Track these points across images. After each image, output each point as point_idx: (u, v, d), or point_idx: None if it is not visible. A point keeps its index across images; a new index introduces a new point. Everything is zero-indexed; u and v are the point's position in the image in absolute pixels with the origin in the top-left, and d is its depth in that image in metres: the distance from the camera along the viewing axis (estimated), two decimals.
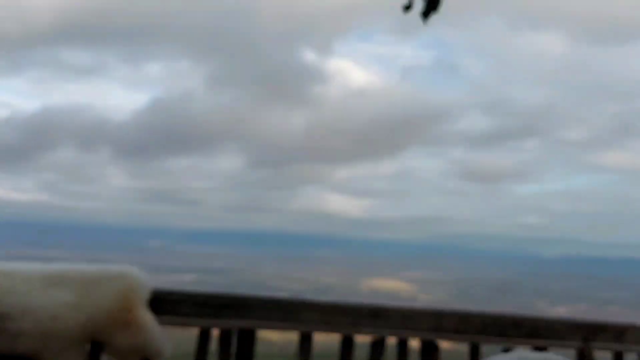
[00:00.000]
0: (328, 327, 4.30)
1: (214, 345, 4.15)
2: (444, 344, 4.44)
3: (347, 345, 4.29)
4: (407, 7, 2.39)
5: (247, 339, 4.12)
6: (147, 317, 3.76)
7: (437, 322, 4.43)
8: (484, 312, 4.69)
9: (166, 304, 4.07)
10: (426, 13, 2.38)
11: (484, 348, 4.45)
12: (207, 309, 4.17)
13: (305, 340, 4.24)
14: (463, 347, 4.45)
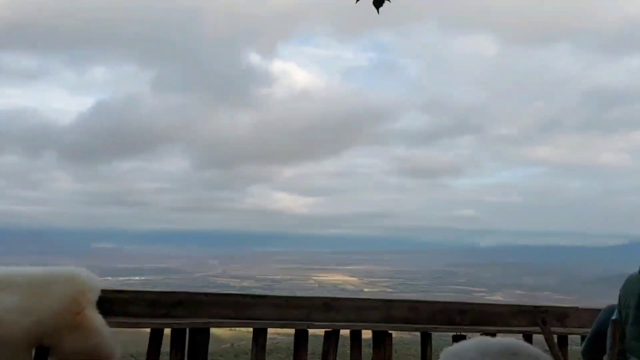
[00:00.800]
0: (281, 321, 4.19)
1: (166, 345, 3.98)
2: (395, 334, 4.39)
3: (301, 338, 4.19)
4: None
5: (200, 337, 3.96)
6: (96, 319, 3.55)
7: (387, 313, 4.37)
8: (432, 300, 4.66)
9: (116, 304, 3.86)
10: (379, 2, 2.30)
11: (434, 336, 4.42)
12: (159, 308, 3.99)
13: (259, 336, 4.11)
14: (414, 336, 4.41)
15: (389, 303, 4.41)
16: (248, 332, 4.18)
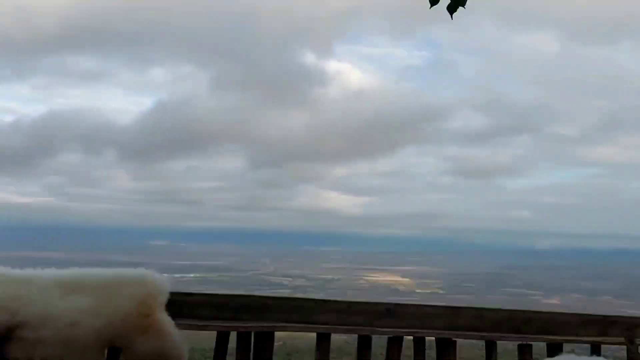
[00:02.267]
0: (344, 327, 4.19)
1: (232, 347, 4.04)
2: (460, 341, 4.34)
3: (365, 344, 4.19)
4: (435, 1, 2.29)
5: (265, 340, 4.00)
6: (165, 321, 3.64)
7: (452, 320, 4.32)
8: (497, 308, 4.59)
9: (184, 307, 3.95)
10: (453, 7, 2.28)
11: (499, 345, 4.35)
12: (226, 311, 4.06)
13: (323, 341, 4.13)
14: (479, 344, 4.35)
15: (453, 310, 4.36)
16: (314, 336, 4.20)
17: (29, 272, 3.60)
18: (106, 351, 3.63)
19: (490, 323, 4.36)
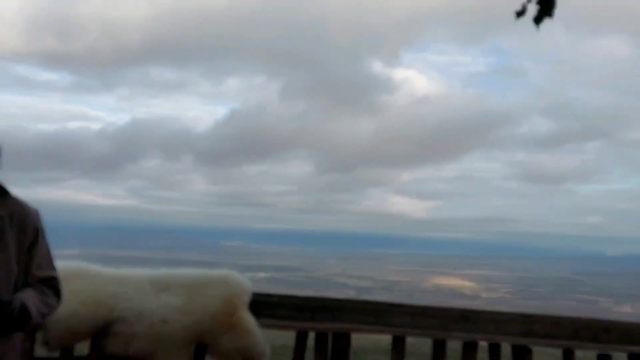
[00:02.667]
0: (419, 330, 4.18)
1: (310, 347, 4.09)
2: (536, 349, 4.24)
3: (439, 348, 4.15)
4: (520, 13, 2.26)
5: (342, 341, 4.04)
6: (249, 320, 3.73)
7: (528, 327, 4.23)
8: (575, 317, 4.45)
9: (265, 307, 4.03)
10: (539, 18, 2.25)
11: (577, 353, 4.22)
12: (304, 311, 4.12)
13: (398, 343, 4.13)
14: (556, 352, 4.23)
15: (529, 317, 4.26)
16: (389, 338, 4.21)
17: (124, 271, 3.77)
18: (193, 347, 3.75)
19: (568, 331, 4.23)
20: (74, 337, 3.53)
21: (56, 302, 2.19)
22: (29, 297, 2.07)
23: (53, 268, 2.23)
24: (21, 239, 2.13)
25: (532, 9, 2.23)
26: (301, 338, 4.05)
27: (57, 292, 2.21)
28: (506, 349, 4.24)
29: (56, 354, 3.61)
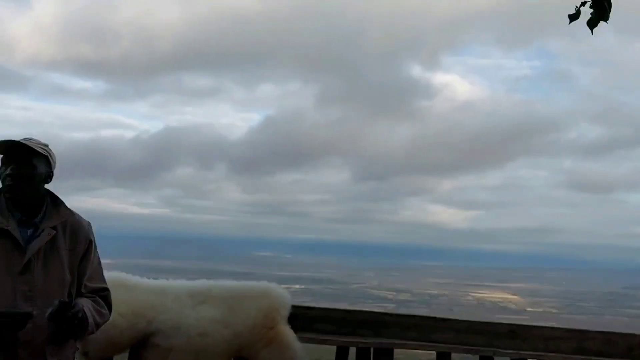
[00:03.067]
0: (465, 346, 4.14)
1: None
2: None
3: None
4: (575, 16, 2.24)
5: (385, 357, 4.02)
6: (289, 334, 3.75)
7: (579, 344, 4.16)
8: (630, 333, 4.36)
9: (304, 321, 4.05)
10: (594, 22, 2.23)
11: None
12: (344, 326, 4.12)
13: None
14: None
15: (581, 333, 4.19)
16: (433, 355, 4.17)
17: (163, 282, 3.84)
18: None
19: (622, 348, 4.15)
20: (113, 348, 3.61)
21: (108, 313, 2.26)
22: (86, 305, 2.14)
23: (104, 280, 2.30)
24: (74, 249, 2.20)
25: (586, 12, 2.22)
26: (342, 353, 4.05)
27: (108, 304, 2.28)
28: None
29: None
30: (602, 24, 2.39)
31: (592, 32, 2.28)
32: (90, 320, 2.15)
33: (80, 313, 2.06)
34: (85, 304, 2.16)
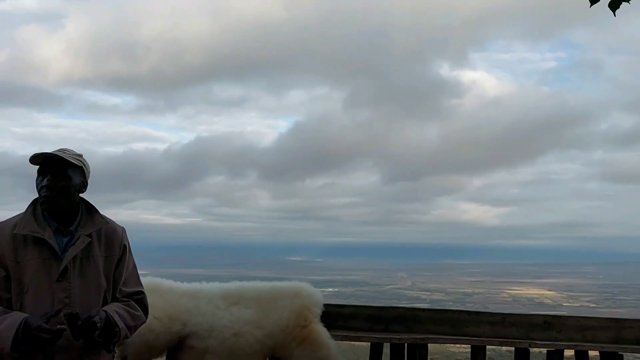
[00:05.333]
0: (500, 339, 4.09)
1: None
2: (627, 356, 4.09)
3: (522, 357, 4.05)
4: (595, 0, 2.21)
5: (419, 352, 4.00)
6: (322, 332, 3.76)
7: (617, 333, 4.08)
8: None
9: (338, 319, 4.06)
10: (616, 3, 2.19)
11: None
12: (377, 323, 4.12)
13: (477, 353, 4.06)
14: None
15: (618, 322, 4.11)
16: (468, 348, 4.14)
17: (196, 285, 3.88)
18: None
19: None
20: (150, 351, 3.66)
21: (143, 315, 2.30)
22: (114, 309, 2.18)
23: (140, 283, 2.35)
24: (109, 256, 2.25)
25: None
26: (376, 350, 4.04)
27: (143, 306, 2.32)
28: (594, 357, 4.11)
29: None
30: (625, 5, 2.35)
31: (614, 14, 2.24)
32: (121, 324, 2.19)
33: (98, 321, 2.09)
34: (112, 309, 2.20)
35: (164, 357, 3.80)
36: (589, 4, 2.33)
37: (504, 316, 4.19)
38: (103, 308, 2.20)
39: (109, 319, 2.16)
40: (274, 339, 3.72)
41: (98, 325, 2.10)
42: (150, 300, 2.43)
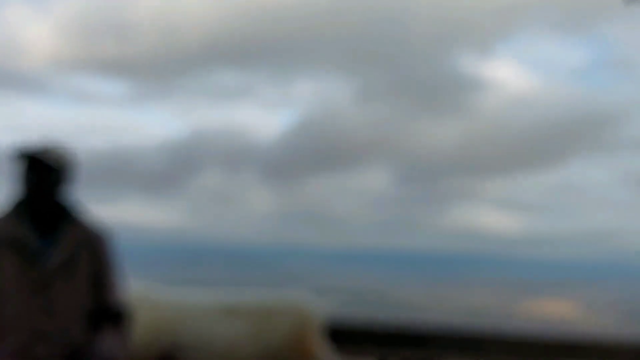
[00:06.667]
0: None
1: None
2: None
3: None
4: None
5: None
6: (322, 348, 3.77)
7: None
8: None
9: (342, 333, 4.07)
10: None
11: None
12: (383, 339, 4.13)
13: None
14: None
15: None
16: None
17: (188, 294, 3.90)
18: None
19: None
20: None
21: (129, 330, 2.32)
22: (111, 342, 2.20)
23: (123, 291, 2.36)
24: (93, 261, 2.27)
25: None
26: None
27: (129, 319, 2.34)
28: None
29: None
30: None
31: (625, 5, 2.24)
32: (121, 356, 2.23)
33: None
34: (110, 342, 2.22)
35: None
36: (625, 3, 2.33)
37: (521, 338, 4.20)
38: (102, 344, 2.21)
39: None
40: (272, 353, 3.73)
41: None
42: (139, 310, 2.44)
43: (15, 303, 2.14)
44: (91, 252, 2.26)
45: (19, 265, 2.16)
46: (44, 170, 2.20)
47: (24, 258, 2.17)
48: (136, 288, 3.64)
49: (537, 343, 4.15)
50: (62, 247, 2.20)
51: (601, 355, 4.09)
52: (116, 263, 2.36)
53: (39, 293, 2.15)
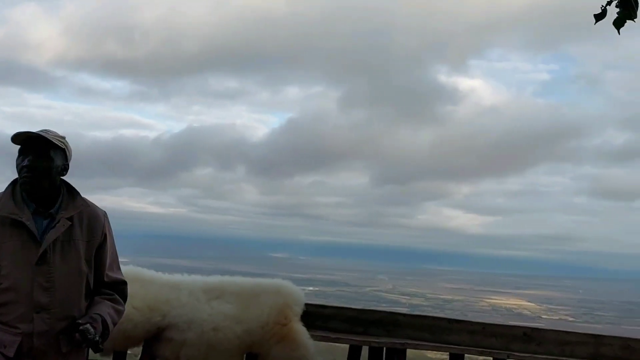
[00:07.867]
0: (479, 348, 4.10)
1: None
2: None
3: None
4: (601, 16, 2.20)
5: (397, 357, 4.00)
6: (301, 332, 3.75)
7: (596, 349, 4.10)
8: None
9: (318, 318, 4.05)
10: (621, 21, 2.18)
11: None
12: (357, 325, 4.11)
13: None
14: None
15: (597, 339, 4.14)
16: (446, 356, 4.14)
17: (178, 277, 3.86)
18: (244, 356, 3.79)
19: (639, 355, 4.09)
20: (127, 341, 3.63)
21: (124, 308, 2.28)
22: (107, 312, 2.16)
23: (119, 269, 2.32)
24: (90, 240, 2.21)
25: (612, 12, 2.17)
26: (354, 352, 4.04)
27: (124, 296, 2.29)
28: None
29: (109, 358, 3.71)
30: (629, 24, 2.34)
31: (618, 32, 2.23)
32: (112, 326, 2.19)
33: (91, 333, 2.08)
34: (106, 312, 2.18)
35: (141, 348, 3.77)
36: (594, 20, 2.32)
37: (483, 326, 4.21)
38: (98, 312, 2.16)
39: (104, 322, 2.15)
40: (253, 336, 3.70)
41: (98, 339, 2.09)
42: (130, 289, 2.40)
43: (15, 279, 2.10)
44: (89, 230, 2.21)
45: (19, 243, 2.12)
46: (42, 150, 2.15)
47: (24, 236, 2.13)
48: (128, 268, 3.60)
49: (499, 331, 4.16)
50: (60, 225, 2.15)
51: (556, 342, 4.11)
52: (113, 242, 2.31)
53: (38, 271, 2.10)
